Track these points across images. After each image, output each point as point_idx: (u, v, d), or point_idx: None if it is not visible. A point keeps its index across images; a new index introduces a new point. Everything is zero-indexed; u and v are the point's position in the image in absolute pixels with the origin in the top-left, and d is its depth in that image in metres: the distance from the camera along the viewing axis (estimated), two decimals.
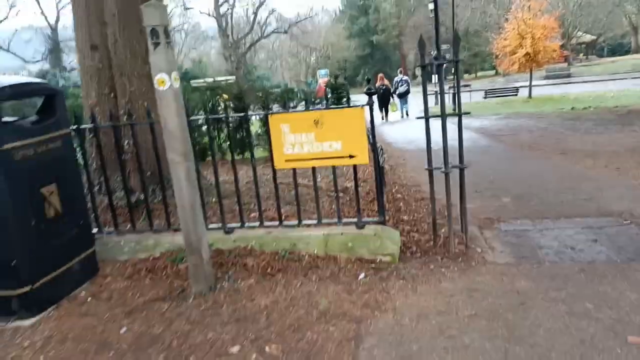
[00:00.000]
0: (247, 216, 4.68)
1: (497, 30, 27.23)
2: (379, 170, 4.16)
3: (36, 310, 3.41)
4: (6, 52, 37.66)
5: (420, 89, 3.88)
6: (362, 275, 3.63)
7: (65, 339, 3.09)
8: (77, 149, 4.36)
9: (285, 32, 46.96)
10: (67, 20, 39.19)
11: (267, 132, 4.04)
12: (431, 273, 3.65)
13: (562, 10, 32.00)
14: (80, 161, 4.54)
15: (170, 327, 3.12)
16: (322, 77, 36.21)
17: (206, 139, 7.15)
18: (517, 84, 27.11)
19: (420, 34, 4.34)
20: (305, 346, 2.80)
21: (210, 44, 57.59)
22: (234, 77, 26.85)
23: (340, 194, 5.60)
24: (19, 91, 3.56)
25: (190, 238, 3.44)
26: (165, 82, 3.22)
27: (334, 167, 4.10)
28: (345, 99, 3.93)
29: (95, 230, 4.41)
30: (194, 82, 18.03)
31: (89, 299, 3.66)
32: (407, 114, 18.90)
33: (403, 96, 18.98)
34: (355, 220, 4.09)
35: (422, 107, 3.93)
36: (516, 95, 23.27)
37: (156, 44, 3.19)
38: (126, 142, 5.11)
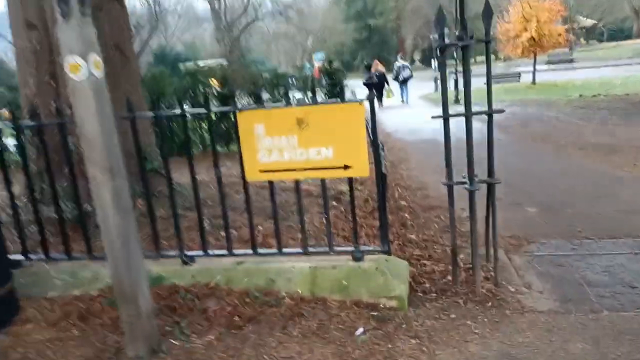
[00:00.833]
0: (218, 237, 3.74)
1: (500, 14, 26.10)
2: (382, 181, 3.19)
3: None
4: None
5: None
6: (360, 331, 2.70)
7: None
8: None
9: (281, 14, 45.41)
10: None
11: (236, 133, 3.08)
12: (453, 326, 2.72)
13: None
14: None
15: None
16: (318, 61, 34.95)
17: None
18: (519, 69, 26.02)
19: (439, 5, 3.37)
20: None
21: (204, 27, 55.95)
22: (223, 61, 25.63)
23: (333, 203, 4.67)
24: None
25: (122, 284, 2.49)
26: (79, 68, 2.24)
27: (323, 181, 3.14)
28: (339, 90, 2.92)
29: (20, 257, 3.47)
30: (184, 65, 16.98)
31: None
32: (406, 100, 18.52)
33: (405, 82, 18.44)
34: (352, 249, 3.15)
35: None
36: (518, 81, 22.26)
37: (66, 15, 2.21)
38: (70, 141, 4.14)
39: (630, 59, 31.11)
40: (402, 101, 18.43)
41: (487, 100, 2.87)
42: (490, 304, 2.92)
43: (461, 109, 2.86)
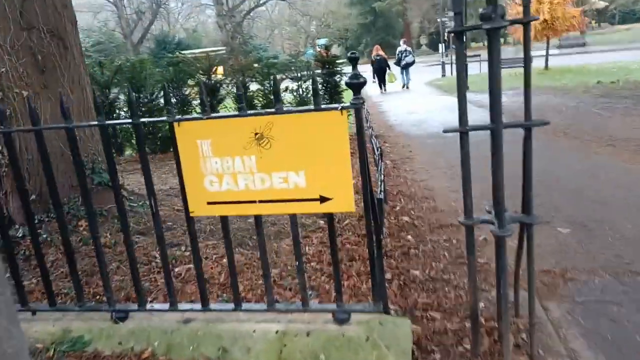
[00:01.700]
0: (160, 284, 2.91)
1: None
2: (376, 211, 2.34)
3: None
4: None
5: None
6: None
7: None
8: None
9: None
10: None
11: (175, 151, 2.24)
12: None
13: None
14: None
15: None
16: (320, 48, 33.87)
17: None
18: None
19: None
20: None
21: (207, 13, 54.79)
22: (223, 49, 24.68)
23: (313, 237, 3.81)
24: None
25: None
26: None
27: (293, 217, 2.29)
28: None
29: None
30: (184, 53, 16.04)
31: None
32: (407, 86, 18.60)
33: (407, 67, 18.48)
34: (334, 306, 2.33)
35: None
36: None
37: None
38: None
39: None
40: (404, 86, 18.42)
41: (524, 106, 2.02)
42: None
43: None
